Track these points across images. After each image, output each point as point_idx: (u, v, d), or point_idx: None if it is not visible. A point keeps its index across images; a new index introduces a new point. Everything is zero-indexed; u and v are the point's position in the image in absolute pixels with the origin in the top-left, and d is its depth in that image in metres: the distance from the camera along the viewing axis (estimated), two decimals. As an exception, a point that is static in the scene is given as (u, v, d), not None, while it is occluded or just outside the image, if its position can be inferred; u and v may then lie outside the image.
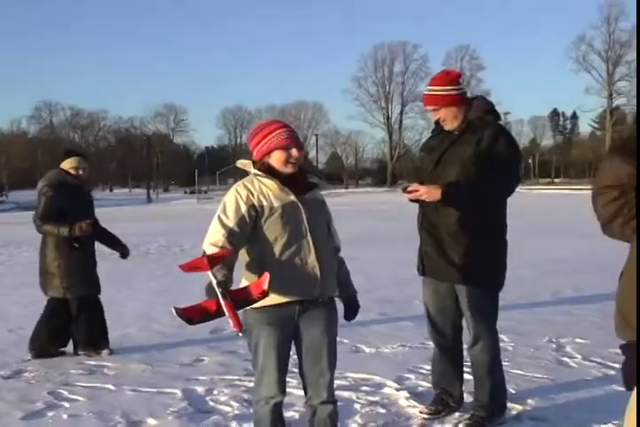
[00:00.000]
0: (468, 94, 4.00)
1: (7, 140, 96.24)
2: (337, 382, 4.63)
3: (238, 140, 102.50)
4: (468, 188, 3.70)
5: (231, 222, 2.90)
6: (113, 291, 6.29)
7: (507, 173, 3.71)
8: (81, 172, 5.79)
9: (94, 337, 5.70)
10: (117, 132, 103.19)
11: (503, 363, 4.93)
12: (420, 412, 4.13)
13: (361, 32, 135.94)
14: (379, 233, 17.82)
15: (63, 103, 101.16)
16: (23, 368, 5.30)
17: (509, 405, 4.15)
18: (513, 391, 4.44)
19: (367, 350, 5.69)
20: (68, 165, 5.78)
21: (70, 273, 5.56)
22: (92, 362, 5.46)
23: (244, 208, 2.93)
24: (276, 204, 2.95)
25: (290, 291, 2.98)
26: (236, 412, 4.21)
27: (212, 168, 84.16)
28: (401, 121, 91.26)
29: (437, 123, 4.02)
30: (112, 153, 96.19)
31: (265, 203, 2.95)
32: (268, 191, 2.97)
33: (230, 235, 2.87)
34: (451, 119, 3.87)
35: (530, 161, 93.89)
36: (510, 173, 3.74)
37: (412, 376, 4.88)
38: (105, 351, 5.68)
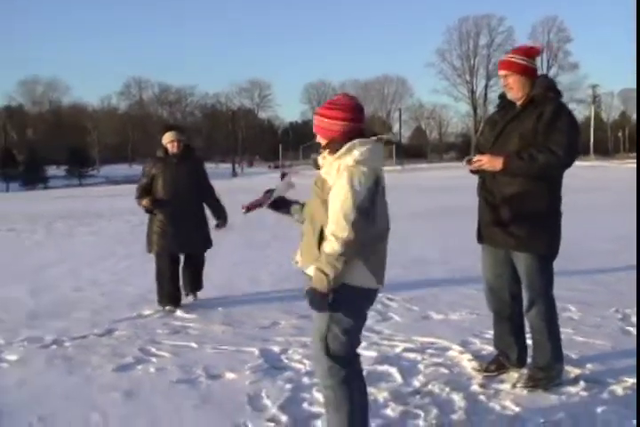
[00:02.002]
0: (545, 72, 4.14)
1: (98, 117, 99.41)
2: (404, 345, 4.98)
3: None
4: (528, 159, 3.85)
5: None
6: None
7: (565, 147, 3.83)
8: (175, 144, 6.41)
9: (158, 292, 6.45)
10: (204, 108, 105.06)
11: (568, 331, 5.14)
12: (472, 368, 4.41)
13: (445, 5, 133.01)
14: (455, 207, 17.84)
15: (152, 80, 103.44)
16: (114, 328, 5.76)
17: (568, 368, 4.32)
18: (574, 357, 4.60)
19: (436, 316, 5.91)
20: (165, 140, 6.46)
21: (150, 234, 6.47)
22: (178, 323, 5.88)
23: None
24: None
25: None
26: (308, 369, 4.51)
27: (296, 143, 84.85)
28: (486, 95, 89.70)
29: (502, 97, 4.23)
30: (199, 128, 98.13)
31: None
32: None
33: None
34: (518, 87, 4.04)
35: (620, 135, 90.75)
36: (569, 148, 3.86)
37: (476, 341, 5.08)
38: (164, 308, 6.34)
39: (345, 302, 3.06)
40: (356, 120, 3.10)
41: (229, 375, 4.47)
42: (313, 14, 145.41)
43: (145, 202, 6.31)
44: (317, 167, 3.19)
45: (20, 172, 65.69)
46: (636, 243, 8.48)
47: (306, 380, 4.31)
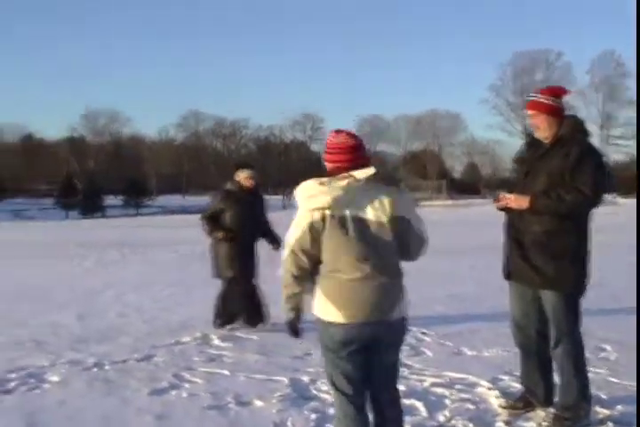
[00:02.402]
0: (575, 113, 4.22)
1: (156, 148, 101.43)
2: (433, 380, 5.05)
3: (374, 148, 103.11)
4: (556, 198, 3.92)
5: None
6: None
7: (591, 186, 3.90)
8: (252, 181, 6.85)
9: (217, 313, 6.83)
10: (257, 140, 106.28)
11: (602, 371, 5.11)
12: (499, 405, 4.40)
13: (498, 39, 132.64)
14: (498, 242, 17.76)
15: (208, 112, 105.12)
16: (153, 354, 5.93)
17: (597, 409, 4.29)
18: (604, 397, 4.56)
19: (469, 353, 5.92)
20: (241, 176, 6.86)
21: (217, 259, 6.83)
22: (213, 351, 6.02)
23: None
24: None
25: None
26: (335, 400, 4.58)
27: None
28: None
29: (529, 136, 4.35)
30: (253, 160, 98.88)
31: None
32: None
33: None
34: (545, 127, 4.13)
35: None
36: (595, 187, 3.92)
37: (505, 378, 5.08)
38: (228, 326, 6.77)
39: (321, 333, 3.33)
40: (337, 161, 3.17)
41: (258, 403, 4.57)
42: (364, 49, 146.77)
43: (221, 235, 6.68)
44: None
45: (79, 200, 67.29)
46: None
47: (332, 411, 4.35)
